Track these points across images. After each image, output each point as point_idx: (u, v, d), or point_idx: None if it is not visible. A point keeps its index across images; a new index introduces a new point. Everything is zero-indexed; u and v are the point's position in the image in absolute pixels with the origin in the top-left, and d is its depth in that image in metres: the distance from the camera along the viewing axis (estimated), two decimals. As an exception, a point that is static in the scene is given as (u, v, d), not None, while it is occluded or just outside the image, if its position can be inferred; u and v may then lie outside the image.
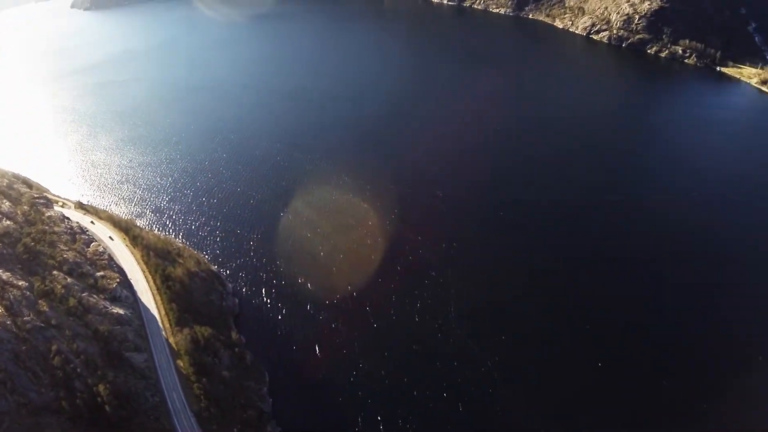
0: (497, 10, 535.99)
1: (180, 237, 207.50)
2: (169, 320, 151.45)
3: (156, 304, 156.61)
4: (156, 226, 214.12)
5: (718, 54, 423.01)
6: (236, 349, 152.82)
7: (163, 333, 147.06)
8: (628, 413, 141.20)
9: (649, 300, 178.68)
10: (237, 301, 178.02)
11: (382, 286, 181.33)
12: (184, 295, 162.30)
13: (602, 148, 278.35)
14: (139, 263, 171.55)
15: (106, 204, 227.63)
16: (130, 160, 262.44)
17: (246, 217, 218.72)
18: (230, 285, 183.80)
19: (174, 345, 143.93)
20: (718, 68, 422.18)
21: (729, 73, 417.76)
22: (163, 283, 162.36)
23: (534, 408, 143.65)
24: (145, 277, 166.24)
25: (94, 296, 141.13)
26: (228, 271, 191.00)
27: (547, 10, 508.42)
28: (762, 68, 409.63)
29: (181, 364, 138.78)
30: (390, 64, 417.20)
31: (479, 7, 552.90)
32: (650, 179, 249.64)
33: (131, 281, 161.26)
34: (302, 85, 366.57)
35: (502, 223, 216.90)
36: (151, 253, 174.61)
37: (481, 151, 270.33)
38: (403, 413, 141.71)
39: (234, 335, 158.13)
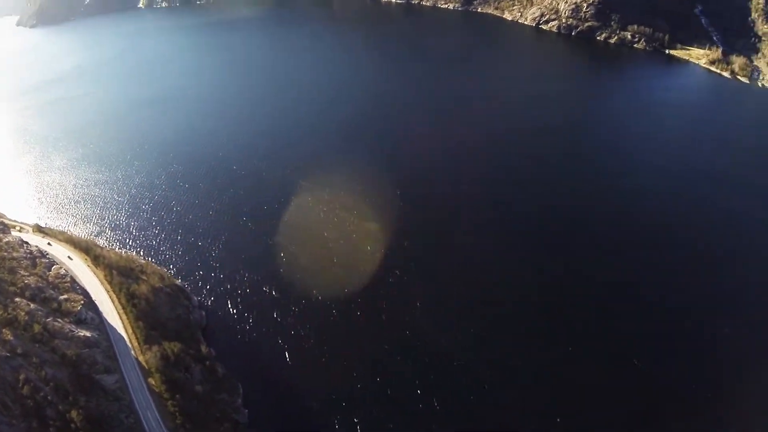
0: (446, 6, 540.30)
1: (142, 253, 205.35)
2: (137, 339, 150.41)
3: (122, 323, 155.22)
4: (117, 244, 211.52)
5: (667, 37, 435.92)
6: (207, 363, 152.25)
7: (132, 352, 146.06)
8: (607, 410, 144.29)
9: (616, 289, 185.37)
10: (204, 314, 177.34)
11: (346, 288, 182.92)
12: (150, 312, 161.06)
13: (559, 137, 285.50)
14: (102, 283, 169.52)
15: (64, 225, 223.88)
16: (86, 179, 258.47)
17: (206, 229, 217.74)
18: (196, 298, 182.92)
19: (144, 363, 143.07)
20: (667, 51, 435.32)
21: (678, 55, 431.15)
22: (128, 301, 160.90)
23: (510, 402, 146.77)
24: (110, 296, 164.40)
25: (59, 320, 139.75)
26: (192, 285, 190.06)
27: (496, 2, 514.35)
28: (710, 49, 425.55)
29: (153, 382, 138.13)
30: (346, 66, 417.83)
31: (428, 4, 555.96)
32: (607, 165, 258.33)
33: (96, 302, 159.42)
34: (256, 92, 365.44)
35: (463, 219, 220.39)
36: (114, 271, 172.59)
37: (441, 147, 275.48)
38: (379, 414, 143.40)
39: (204, 349, 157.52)
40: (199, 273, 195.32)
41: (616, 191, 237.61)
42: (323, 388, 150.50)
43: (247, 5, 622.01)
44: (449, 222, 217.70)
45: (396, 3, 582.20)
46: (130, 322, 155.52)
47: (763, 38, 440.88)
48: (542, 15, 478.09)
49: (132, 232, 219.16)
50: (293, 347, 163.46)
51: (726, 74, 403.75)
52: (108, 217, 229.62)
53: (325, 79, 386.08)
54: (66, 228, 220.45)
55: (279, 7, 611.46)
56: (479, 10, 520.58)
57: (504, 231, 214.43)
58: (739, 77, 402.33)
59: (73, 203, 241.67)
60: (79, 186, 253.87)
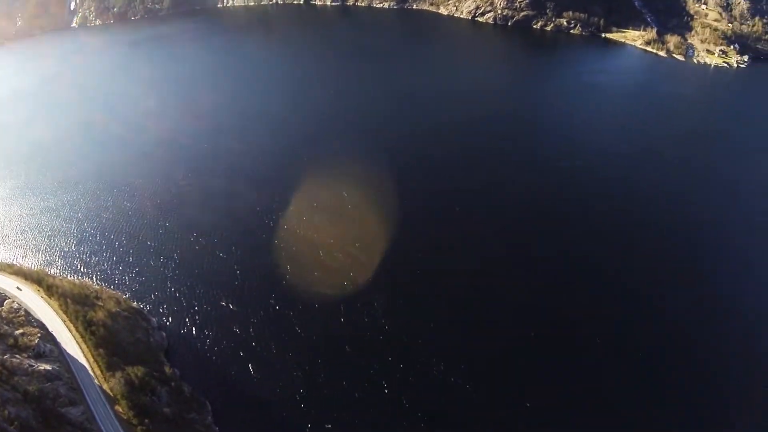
0: (381, 5, 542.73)
1: (95, 279, 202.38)
2: (99, 367, 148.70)
3: (83, 352, 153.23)
4: (69, 272, 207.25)
5: (602, 21, 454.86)
6: (173, 384, 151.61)
7: (96, 381, 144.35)
8: (574, 399, 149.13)
9: (572, 275, 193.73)
10: (164, 334, 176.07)
11: (301, 295, 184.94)
12: (110, 338, 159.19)
13: (502, 125, 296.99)
14: (57, 313, 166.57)
15: (12, 257, 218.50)
16: (31, 208, 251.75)
17: (157, 248, 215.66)
18: (154, 319, 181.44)
19: (109, 391, 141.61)
20: (603, 35, 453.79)
21: (614, 38, 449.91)
22: (86, 329, 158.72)
23: (477, 395, 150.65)
24: (67, 326, 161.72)
25: (17, 356, 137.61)
26: (150, 306, 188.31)
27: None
28: (644, 30, 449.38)
29: (120, 410, 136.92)
30: (286, 72, 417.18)
31: (363, 4, 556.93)
32: (552, 150, 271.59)
33: (53, 333, 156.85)
34: (196, 105, 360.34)
35: (413, 217, 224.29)
36: (69, 300, 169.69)
37: (388, 143, 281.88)
38: (348, 416, 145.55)
39: (168, 370, 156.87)
40: (155, 293, 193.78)
41: (563, 174, 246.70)
42: (291, 397, 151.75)
43: (180, 17, 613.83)
44: (401, 222, 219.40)
45: (331, 5, 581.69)
46: (90, 350, 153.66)
47: (695, 16, 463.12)
48: (478, 7, 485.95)
49: (83, 258, 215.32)
50: (256, 359, 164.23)
51: (662, 53, 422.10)
52: (57, 245, 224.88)
53: (268, 86, 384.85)
54: (14, 260, 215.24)
55: (212, 17, 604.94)
56: (414, 7, 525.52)
57: (455, 224, 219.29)
58: (674, 55, 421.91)
59: (19, 233, 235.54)
60: (25, 216, 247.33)
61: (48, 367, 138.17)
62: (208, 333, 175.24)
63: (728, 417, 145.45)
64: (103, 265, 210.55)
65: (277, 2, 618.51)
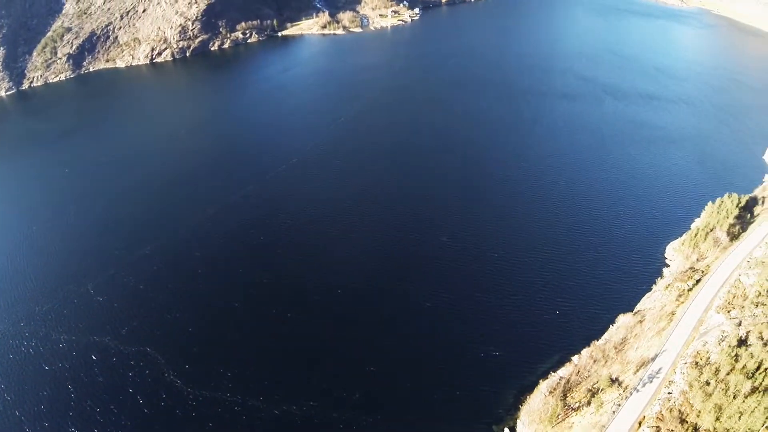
0: (57, 79, 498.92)
1: None
2: None
3: None
4: None
5: (275, 22, 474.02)
6: None
7: None
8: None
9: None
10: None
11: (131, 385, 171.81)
12: None
13: (200, 157, 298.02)
14: None
15: None
16: None
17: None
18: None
19: None
20: (279, 34, 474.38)
21: (291, 33, 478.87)
22: None
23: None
24: None
25: None
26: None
27: (105, 55, 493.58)
28: (317, 16, 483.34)
29: None
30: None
31: (39, 84, 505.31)
32: (260, 159, 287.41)
33: None
34: None
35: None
36: None
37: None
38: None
39: None
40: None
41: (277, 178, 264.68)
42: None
43: None
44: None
45: (7, 95, 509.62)
46: None
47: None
48: (153, 49, 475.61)
49: None
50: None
51: (340, 31, 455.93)
52: None
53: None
54: None
55: None
56: (92, 69, 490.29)
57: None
58: (351, 29, 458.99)
59: None
60: None
61: None
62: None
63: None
64: None
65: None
